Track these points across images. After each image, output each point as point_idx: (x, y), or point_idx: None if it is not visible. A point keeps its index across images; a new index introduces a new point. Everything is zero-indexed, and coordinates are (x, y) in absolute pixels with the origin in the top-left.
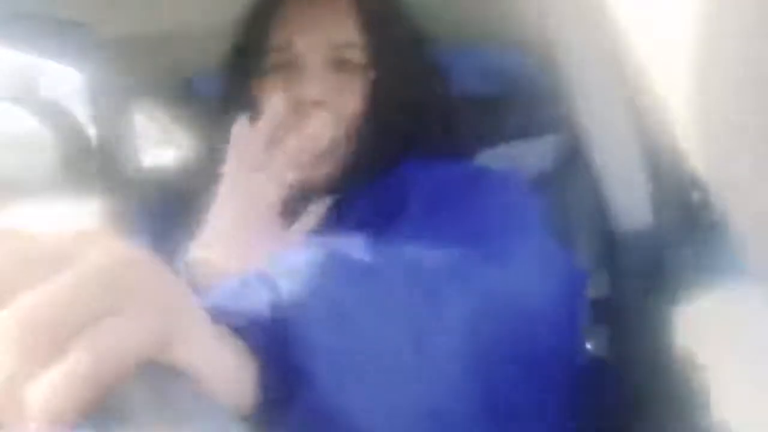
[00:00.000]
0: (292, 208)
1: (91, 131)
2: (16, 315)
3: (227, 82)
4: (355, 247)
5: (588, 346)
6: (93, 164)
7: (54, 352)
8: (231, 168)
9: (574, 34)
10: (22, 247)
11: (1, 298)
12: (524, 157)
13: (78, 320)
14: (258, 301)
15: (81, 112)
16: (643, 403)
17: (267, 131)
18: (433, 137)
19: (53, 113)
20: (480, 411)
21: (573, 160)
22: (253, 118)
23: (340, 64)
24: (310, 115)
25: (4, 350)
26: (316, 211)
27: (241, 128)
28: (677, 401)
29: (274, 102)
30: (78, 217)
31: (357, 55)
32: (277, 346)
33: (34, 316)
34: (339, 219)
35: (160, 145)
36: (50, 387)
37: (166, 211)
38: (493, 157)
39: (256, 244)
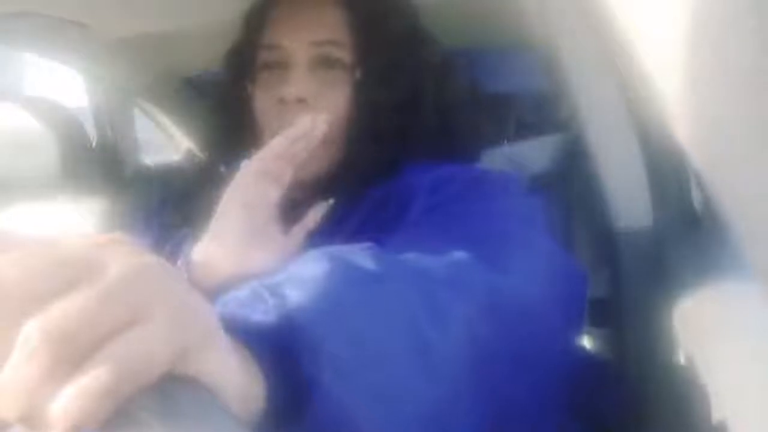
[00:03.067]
0: (292, 211)
1: (91, 131)
2: (42, 326)
3: (225, 82)
4: (360, 254)
5: (588, 346)
6: (93, 164)
7: (78, 363)
8: (242, 176)
9: (575, 34)
10: (43, 257)
11: (26, 309)
12: (525, 157)
13: (102, 331)
14: (265, 311)
15: (81, 112)
16: (644, 403)
17: (284, 145)
18: (433, 138)
19: (53, 113)
20: (484, 414)
21: (573, 160)
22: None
23: (326, 63)
24: (292, 112)
25: (30, 360)
26: (316, 214)
27: (272, 143)
28: (677, 401)
29: (298, 122)
30: (78, 217)
31: (344, 54)
32: (284, 355)
33: (59, 327)
34: (340, 223)
35: (160, 145)
36: (73, 397)
37: (166, 211)
38: (494, 157)
39: (257, 247)
